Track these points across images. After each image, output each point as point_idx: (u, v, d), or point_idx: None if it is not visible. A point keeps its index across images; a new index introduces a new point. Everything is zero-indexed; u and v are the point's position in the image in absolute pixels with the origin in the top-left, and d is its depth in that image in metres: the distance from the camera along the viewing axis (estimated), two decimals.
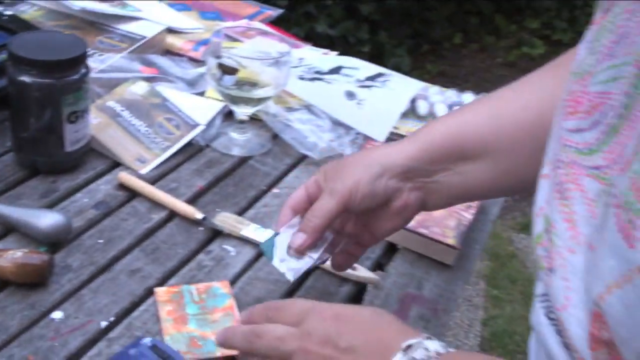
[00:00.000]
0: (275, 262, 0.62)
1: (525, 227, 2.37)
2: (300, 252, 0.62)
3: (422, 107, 1.08)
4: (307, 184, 0.65)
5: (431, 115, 1.07)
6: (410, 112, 1.08)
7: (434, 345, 0.48)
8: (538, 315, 0.50)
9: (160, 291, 0.67)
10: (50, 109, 0.79)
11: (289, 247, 0.62)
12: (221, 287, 0.69)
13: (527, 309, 2.15)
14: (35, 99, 0.78)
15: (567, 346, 0.45)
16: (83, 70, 0.80)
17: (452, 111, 0.66)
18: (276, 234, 0.63)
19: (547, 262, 0.49)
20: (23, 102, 0.78)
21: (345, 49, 2.80)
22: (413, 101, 1.08)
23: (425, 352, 0.47)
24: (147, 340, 0.51)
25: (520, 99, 0.65)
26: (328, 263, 0.73)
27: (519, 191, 0.80)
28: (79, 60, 0.80)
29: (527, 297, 2.07)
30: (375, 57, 3.06)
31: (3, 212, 0.71)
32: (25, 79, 0.77)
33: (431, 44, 3.34)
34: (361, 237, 0.66)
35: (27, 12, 1.09)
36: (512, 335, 1.93)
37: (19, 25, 0.96)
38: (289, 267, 0.62)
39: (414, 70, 2.95)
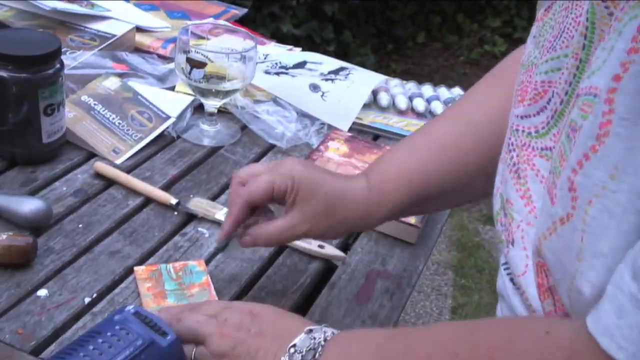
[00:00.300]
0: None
1: (491, 219, 2.45)
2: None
3: (384, 99, 1.13)
4: (270, 187, 0.65)
5: (392, 107, 1.13)
6: (373, 104, 1.13)
7: (330, 330, 0.56)
8: (504, 282, 0.56)
9: (139, 270, 0.71)
10: (27, 103, 0.82)
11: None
12: (197, 265, 0.73)
13: (494, 297, 2.23)
14: (13, 93, 0.81)
15: (528, 307, 0.52)
16: (57, 65, 0.84)
17: (407, 144, 0.72)
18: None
19: (506, 235, 0.55)
20: (1, 97, 0.82)
21: (312, 49, 2.84)
22: (375, 93, 1.14)
23: (322, 333, 0.55)
24: (130, 308, 0.55)
25: (467, 132, 0.69)
26: (297, 241, 0.78)
27: (476, 200, 0.88)
28: (54, 56, 0.83)
29: (493, 285, 2.14)
30: (340, 56, 3.09)
31: None
32: (3, 74, 0.80)
33: (395, 43, 3.41)
34: None
35: None
36: None
37: None
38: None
39: (379, 69, 3.01)
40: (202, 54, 0.93)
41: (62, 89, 0.85)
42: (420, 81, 1.25)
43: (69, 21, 1.14)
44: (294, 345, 0.54)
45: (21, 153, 0.85)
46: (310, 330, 0.55)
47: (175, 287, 0.69)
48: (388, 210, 0.68)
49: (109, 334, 0.53)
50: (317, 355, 0.53)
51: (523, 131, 0.54)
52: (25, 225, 0.74)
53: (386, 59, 3.29)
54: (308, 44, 2.80)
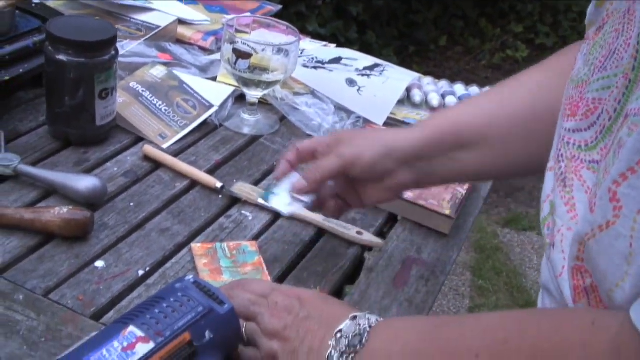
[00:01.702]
0: (274, 202, 0.76)
1: (510, 222, 2.47)
2: (299, 193, 0.73)
3: (417, 96, 1.16)
4: (319, 142, 0.74)
5: (425, 104, 1.16)
6: (406, 100, 1.16)
7: (373, 317, 0.58)
8: (549, 277, 0.59)
9: (196, 246, 0.75)
10: (84, 87, 0.86)
11: (289, 190, 0.73)
12: (249, 245, 0.77)
13: (510, 299, 2.24)
14: (71, 77, 0.85)
15: (564, 306, 0.55)
16: (113, 52, 0.88)
17: (457, 104, 0.76)
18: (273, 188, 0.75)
19: (550, 238, 0.58)
20: (59, 80, 0.86)
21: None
22: (408, 90, 1.17)
23: (367, 320, 0.57)
24: (190, 277, 0.59)
25: (515, 95, 0.73)
26: (336, 227, 0.82)
27: (507, 177, 0.90)
28: (111, 42, 0.87)
29: (511, 287, 2.17)
30: None
31: (46, 175, 0.79)
32: (63, 58, 0.84)
33: (417, 45, 3.44)
34: (350, 199, 0.76)
35: (48, 2, 1.16)
36: None
37: (47, 12, 1.03)
38: (285, 208, 0.75)
39: None
40: (248, 45, 0.96)
41: (116, 75, 0.89)
42: None
43: (116, 12, 1.18)
44: (340, 331, 0.57)
45: (75, 134, 0.89)
46: (355, 317, 0.58)
47: (230, 265, 0.73)
48: (420, 133, 0.72)
49: (172, 299, 0.56)
50: (363, 341, 0.56)
51: (574, 144, 0.57)
52: (81, 201, 0.77)
53: (408, 61, 3.31)
54: (332, 43, 2.84)
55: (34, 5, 1.04)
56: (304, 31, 2.77)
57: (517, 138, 0.72)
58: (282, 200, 0.74)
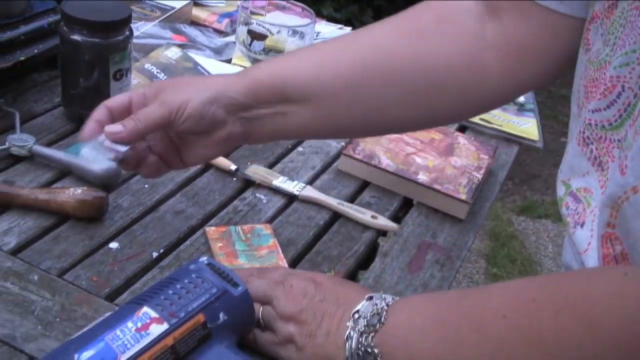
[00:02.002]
0: (85, 155, 0.65)
1: (525, 210, 2.45)
2: (114, 141, 0.63)
3: None
4: (132, 94, 0.66)
5: None
6: None
7: (389, 297, 0.58)
8: (572, 255, 0.58)
9: (210, 230, 0.74)
10: (98, 67, 0.85)
11: (102, 140, 0.63)
12: (264, 228, 0.76)
13: None
14: (86, 57, 0.84)
15: None
16: (127, 32, 0.87)
17: (283, 55, 0.71)
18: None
19: (575, 218, 0.57)
20: (74, 60, 0.85)
21: None
22: None
23: (383, 299, 0.57)
24: (204, 259, 0.58)
25: (346, 53, 0.69)
26: (351, 211, 0.81)
27: (337, 136, 0.87)
28: (125, 23, 0.86)
29: (525, 275, 2.16)
30: None
31: (60, 156, 0.79)
32: (77, 38, 0.83)
33: None
34: (169, 158, 0.68)
35: None
36: None
37: None
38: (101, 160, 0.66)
39: None
40: (263, 27, 0.95)
41: (131, 56, 0.89)
42: None
43: None
44: (357, 311, 0.56)
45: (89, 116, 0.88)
46: (371, 297, 0.58)
47: (245, 248, 0.72)
48: (247, 83, 0.66)
49: (186, 281, 0.56)
50: (382, 319, 0.55)
51: (596, 125, 0.56)
52: (96, 182, 0.77)
53: None
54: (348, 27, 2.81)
55: None
56: (319, 15, 2.75)
57: (340, 99, 0.68)
58: (94, 153, 0.64)
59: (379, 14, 3.03)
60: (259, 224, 0.77)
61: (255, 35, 0.95)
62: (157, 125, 0.63)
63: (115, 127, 0.62)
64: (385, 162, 0.90)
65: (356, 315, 0.56)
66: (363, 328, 0.55)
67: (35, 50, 0.91)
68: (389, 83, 0.67)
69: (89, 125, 0.64)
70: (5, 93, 0.89)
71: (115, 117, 0.64)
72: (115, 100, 0.66)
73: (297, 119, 0.68)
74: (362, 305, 0.57)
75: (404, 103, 0.68)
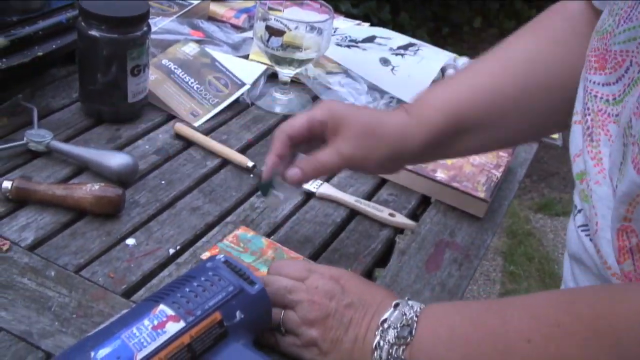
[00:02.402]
0: (274, 193, 0.70)
1: (543, 208, 2.43)
2: (294, 184, 0.68)
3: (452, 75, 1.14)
4: (311, 120, 0.67)
5: None
6: (440, 80, 1.14)
7: (416, 304, 0.57)
8: (583, 243, 0.57)
9: (207, 254, 0.70)
10: (116, 63, 0.85)
11: (283, 180, 0.68)
12: (244, 232, 0.74)
13: (542, 285, 2.20)
14: (103, 52, 0.84)
15: (604, 264, 0.53)
16: (145, 28, 0.87)
17: (447, 82, 0.73)
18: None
19: (582, 196, 0.56)
20: (92, 56, 0.85)
21: None
22: (443, 70, 1.14)
23: (410, 308, 0.56)
24: (221, 257, 0.58)
25: (506, 70, 0.71)
26: (368, 209, 0.80)
27: (494, 150, 0.89)
28: (143, 18, 0.86)
29: (542, 274, 2.13)
30: None
31: (78, 152, 0.79)
32: (95, 33, 0.83)
33: (451, 27, 3.38)
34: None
35: None
36: None
37: None
38: (281, 196, 0.71)
39: None
40: (281, 22, 0.95)
41: (148, 51, 0.89)
42: None
43: None
44: (385, 320, 0.56)
45: (108, 111, 0.88)
46: (397, 304, 0.57)
47: (252, 257, 0.71)
48: (426, 133, 0.68)
49: (202, 278, 0.56)
50: (412, 332, 0.55)
51: (601, 98, 0.55)
52: (113, 178, 0.77)
53: (441, 42, 3.25)
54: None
55: None
56: (337, 10, 2.73)
57: (510, 117, 0.70)
58: (284, 191, 0.70)
59: (396, 10, 3.01)
60: (239, 230, 0.74)
61: (273, 31, 0.95)
62: (334, 171, 0.72)
63: (296, 174, 0.67)
64: None
65: (385, 325, 0.56)
66: (393, 340, 0.55)
67: (54, 46, 0.91)
68: (550, 92, 0.69)
69: (270, 160, 0.67)
70: (24, 88, 0.89)
71: (295, 145, 0.68)
72: (294, 128, 0.67)
73: (466, 144, 0.71)
74: (390, 314, 0.56)
75: (563, 109, 0.67)
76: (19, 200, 0.72)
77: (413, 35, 3.32)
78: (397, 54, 1.14)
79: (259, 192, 0.78)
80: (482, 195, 0.85)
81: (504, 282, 2.09)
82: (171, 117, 0.93)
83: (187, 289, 0.54)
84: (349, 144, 0.67)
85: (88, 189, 0.72)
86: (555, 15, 0.72)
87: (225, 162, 0.86)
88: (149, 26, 0.88)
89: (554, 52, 0.69)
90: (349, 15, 2.72)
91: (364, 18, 2.83)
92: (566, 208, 2.38)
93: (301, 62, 0.99)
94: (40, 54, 0.88)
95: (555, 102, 0.68)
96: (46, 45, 0.90)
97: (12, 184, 0.71)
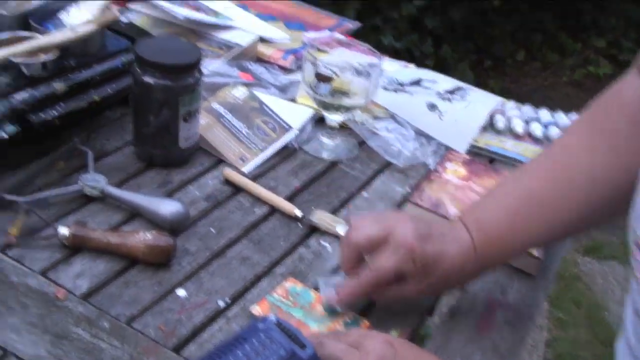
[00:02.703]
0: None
1: (591, 251, 2.36)
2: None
3: (500, 122, 1.13)
4: (379, 234, 0.69)
5: (508, 130, 1.12)
6: (488, 126, 1.13)
7: None
8: None
9: (256, 309, 0.70)
10: (168, 108, 0.87)
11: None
12: (293, 284, 0.73)
13: (591, 333, 2.12)
14: (157, 98, 0.86)
15: None
16: (197, 75, 0.88)
17: (509, 200, 0.74)
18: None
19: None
20: (145, 101, 0.87)
21: (410, 62, 2.85)
22: (491, 115, 1.13)
23: None
24: (272, 317, 0.58)
25: (571, 180, 0.72)
26: None
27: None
28: (195, 65, 0.88)
29: (592, 321, 2.06)
30: (438, 71, 3.10)
31: (131, 198, 0.80)
32: (149, 80, 0.85)
33: (494, 60, 3.36)
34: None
35: (135, 20, 1.18)
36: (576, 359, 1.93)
37: (135, 31, 1.05)
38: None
39: (477, 86, 2.98)
40: (330, 69, 0.95)
41: (200, 97, 0.90)
42: (520, 100, 1.23)
43: (199, 29, 1.19)
44: None
45: (159, 155, 0.90)
46: None
47: (302, 313, 0.70)
48: (485, 265, 0.73)
49: (254, 340, 0.55)
50: None
51: None
52: (165, 225, 0.78)
53: (484, 75, 3.24)
54: (407, 58, 2.80)
55: (123, 25, 1.06)
56: (379, 44, 2.76)
57: (575, 231, 0.76)
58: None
59: (438, 43, 3.01)
60: (286, 282, 0.74)
61: (321, 78, 0.95)
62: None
63: (352, 293, 0.70)
64: (452, 211, 0.88)
65: None
66: None
67: (109, 90, 0.93)
68: (615, 202, 0.70)
69: (346, 294, 0.70)
70: (79, 131, 0.92)
71: (365, 253, 0.70)
72: (362, 242, 0.70)
73: (542, 239, 0.76)
74: None
75: (609, 205, 0.71)
76: (75, 247, 0.73)
77: (455, 69, 3.31)
78: (444, 99, 1.13)
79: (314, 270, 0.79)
80: (534, 252, 0.83)
81: (550, 329, 2.03)
82: (220, 160, 0.94)
83: (240, 352, 0.54)
84: (424, 285, 0.69)
85: (141, 238, 0.72)
86: (611, 108, 0.72)
87: (273, 209, 0.86)
88: (200, 72, 0.89)
89: (617, 165, 0.69)
90: (390, 48, 2.74)
91: (406, 52, 2.84)
92: (615, 252, 2.31)
93: (349, 108, 0.99)
94: (96, 98, 0.91)
95: (621, 206, 0.66)
96: (102, 90, 0.92)
97: (69, 231, 0.72)
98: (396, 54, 2.82)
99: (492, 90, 3.37)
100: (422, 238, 0.68)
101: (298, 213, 0.85)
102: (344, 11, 2.73)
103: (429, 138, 1.06)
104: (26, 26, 0.92)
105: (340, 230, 0.84)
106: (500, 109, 1.16)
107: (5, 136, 0.80)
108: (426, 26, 2.90)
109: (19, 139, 0.81)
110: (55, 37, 0.86)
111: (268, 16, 1.37)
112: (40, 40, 0.85)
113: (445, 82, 1.21)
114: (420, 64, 2.90)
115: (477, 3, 3.08)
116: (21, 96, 0.83)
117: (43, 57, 0.86)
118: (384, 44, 2.67)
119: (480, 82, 3.12)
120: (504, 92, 3.11)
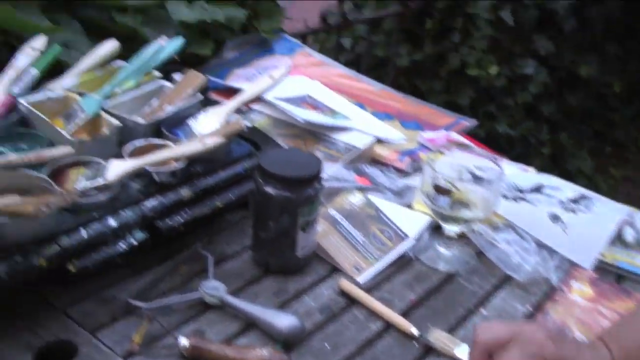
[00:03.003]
0: None
1: None
2: None
3: (629, 234, 1.06)
4: (505, 337, 0.68)
5: (638, 244, 1.05)
6: (617, 239, 1.06)
7: None
8: None
9: None
10: (287, 218, 0.88)
11: None
12: None
13: None
14: (277, 208, 0.88)
15: None
16: (317, 186, 0.90)
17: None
18: None
19: None
20: (265, 209, 0.89)
21: (526, 150, 2.78)
22: (619, 227, 1.07)
23: None
24: None
25: None
26: None
27: None
28: (316, 177, 0.89)
29: None
30: (555, 159, 3.01)
31: (249, 309, 0.81)
32: (270, 190, 0.87)
33: (615, 146, 3.21)
34: None
35: (256, 121, 1.23)
36: None
37: (258, 136, 1.09)
38: None
39: (597, 174, 2.85)
40: (449, 182, 0.94)
41: (318, 206, 0.91)
42: None
43: (318, 131, 1.22)
44: None
45: (276, 262, 0.91)
46: None
47: None
48: None
49: None
50: None
51: None
52: (279, 339, 0.78)
53: (604, 163, 3.10)
54: (522, 145, 2.75)
55: (246, 130, 1.11)
56: (494, 132, 2.72)
57: None
58: None
59: (555, 130, 2.93)
60: None
61: (440, 190, 0.94)
62: None
63: None
64: (579, 336, 0.82)
65: None
66: None
67: (231, 196, 0.96)
68: None
69: None
70: (201, 235, 0.95)
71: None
72: (490, 340, 0.70)
73: None
74: None
75: None
76: (193, 358, 0.75)
77: (573, 157, 3.17)
78: (567, 209, 1.08)
79: None
80: None
81: None
82: (335, 269, 0.94)
83: None
84: None
85: (257, 354, 0.73)
86: None
87: (388, 325, 0.84)
88: (320, 183, 0.91)
89: None
90: (505, 136, 2.69)
91: (521, 139, 2.78)
92: None
93: (468, 221, 0.97)
94: (219, 204, 0.94)
95: None
96: (225, 195, 0.96)
97: (189, 342, 0.74)
98: (510, 142, 2.78)
99: (614, 178, 3.20)
100: (555, 340, 0.67)
101: (415, 332, 0.82)
102: (458, 99, 2.73)
103: (551, 251, 1.01)
104: (158, 133, 0.98)
105: (458, 352, 0.80)
106: (629, 220, 1.09)
107: (135, 243, 0.84)
108: (542, 112, 2.83)
109: (147, 245, 0.85)
110: (186, 148, 0.91)
111: (384, 114, 1.38)
112: (172, 151, 0.91)
113: (568, 189, 1.16)
114: (536, 151, 2.82)
115: (595, 87, 2.98)
116: (151, 204, 0.87)
117: (173, 166, 0.91)
118: (498, 132, 2.63)
119: (601, 170, 2.98)
120: (627, 181, 2.96)
